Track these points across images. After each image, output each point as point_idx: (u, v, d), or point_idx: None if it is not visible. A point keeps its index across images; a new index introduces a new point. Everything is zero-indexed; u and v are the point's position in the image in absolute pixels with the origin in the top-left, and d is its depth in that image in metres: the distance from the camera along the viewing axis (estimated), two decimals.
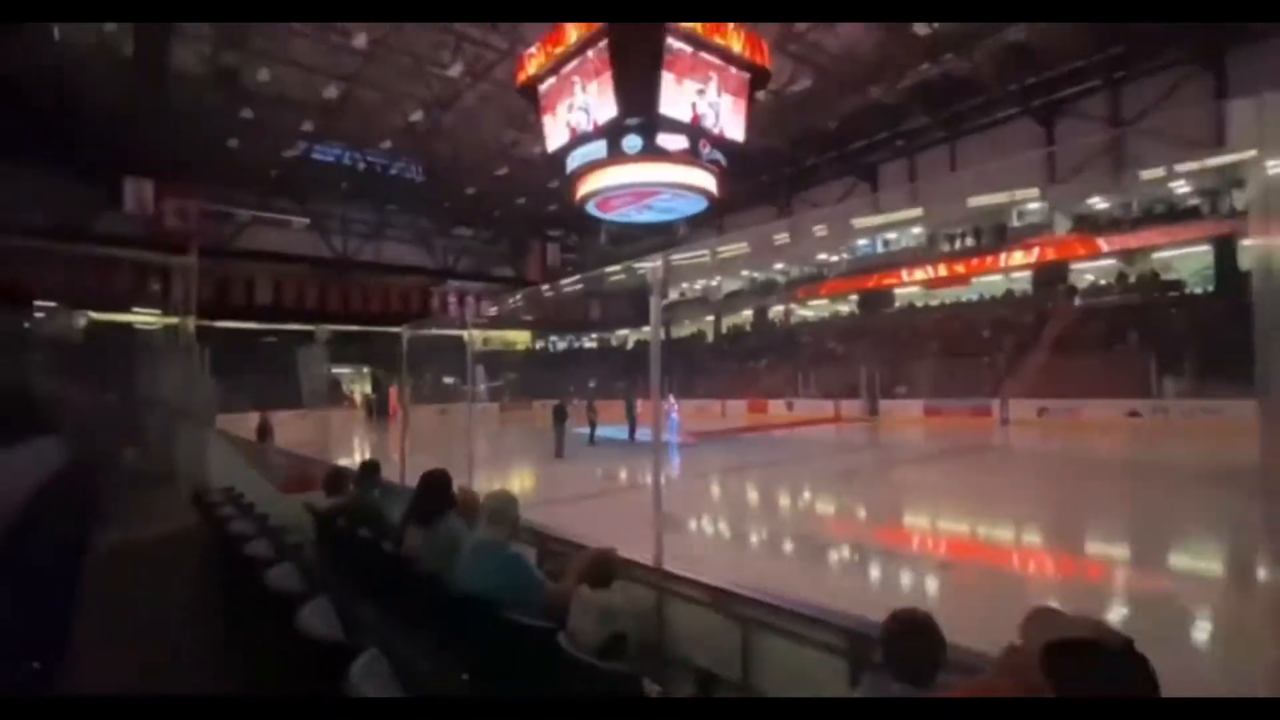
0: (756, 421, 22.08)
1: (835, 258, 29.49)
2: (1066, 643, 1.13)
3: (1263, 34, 16.39)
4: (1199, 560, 6.52)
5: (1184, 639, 4.23)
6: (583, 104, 13.32)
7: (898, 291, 27.62)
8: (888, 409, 21.78)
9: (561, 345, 40.72)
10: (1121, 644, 1.11)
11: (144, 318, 21.72)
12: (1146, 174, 20.25)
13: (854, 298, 29.35)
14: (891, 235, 27.46)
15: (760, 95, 15.65)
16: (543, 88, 14.31)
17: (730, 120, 13.97)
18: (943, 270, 25.24)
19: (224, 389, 15.47)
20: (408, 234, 32.88)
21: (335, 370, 30.45)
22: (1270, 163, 1.62)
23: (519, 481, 11.87)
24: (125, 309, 22.77)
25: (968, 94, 21.27)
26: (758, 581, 3.00)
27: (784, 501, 9.89)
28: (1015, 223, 23.98)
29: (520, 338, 39.20)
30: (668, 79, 12.39)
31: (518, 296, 32.02)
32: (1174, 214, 19.98)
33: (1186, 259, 20.33)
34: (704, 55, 13.03)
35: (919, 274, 25.99)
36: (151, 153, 21.37)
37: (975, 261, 24.28)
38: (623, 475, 12.28)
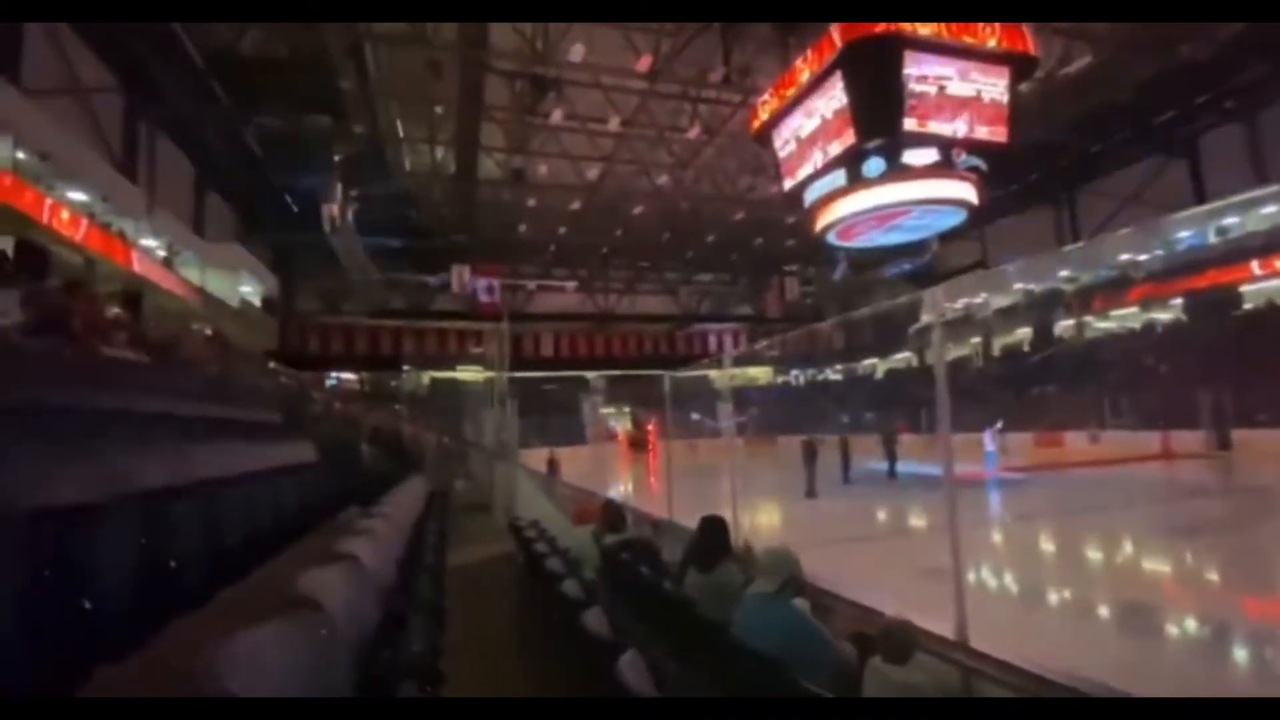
0: (1051, 458, 18.73)
1: (1144, 256, 24.06)
2: None
3: None
4: None
5: None
6: (818, 139, 13.34)
7: (1246, 289, 21.34)
8: (1246, 441, 16.72)
9: (802, 378, 39.84)
10: None
11: (467, 374, 27.55)
12: None
13: (1177, 302, 23.45)
14: (1230, 220, 21.51)
15: (1025, 86, 13.92)
16: (776, 131, 14.69)
17: (990, 121, 12.62)
18: None
19: (522, 429, 18.56)
20: (656, 286, 36.15)
21: (604, 410, 34.36)
22: None
23: (768, 517, 11.82)
24: (453, 368, 29.37)
25: None
26: (1073, 658, 2.54)
27: (1096, 556, 8.28)
28: None
29: (761, 372, 39.47)
30: (910, 123, 11.79)
31: (764, 343, 32.45)
32: None
33: None
34: (951, 93, 12.11)
35: None
36: (468, 243, 27.24)
37: None
38: (882, 517, 11.54)
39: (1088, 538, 9.15)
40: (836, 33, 11.94)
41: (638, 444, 32.27)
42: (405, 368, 30.87)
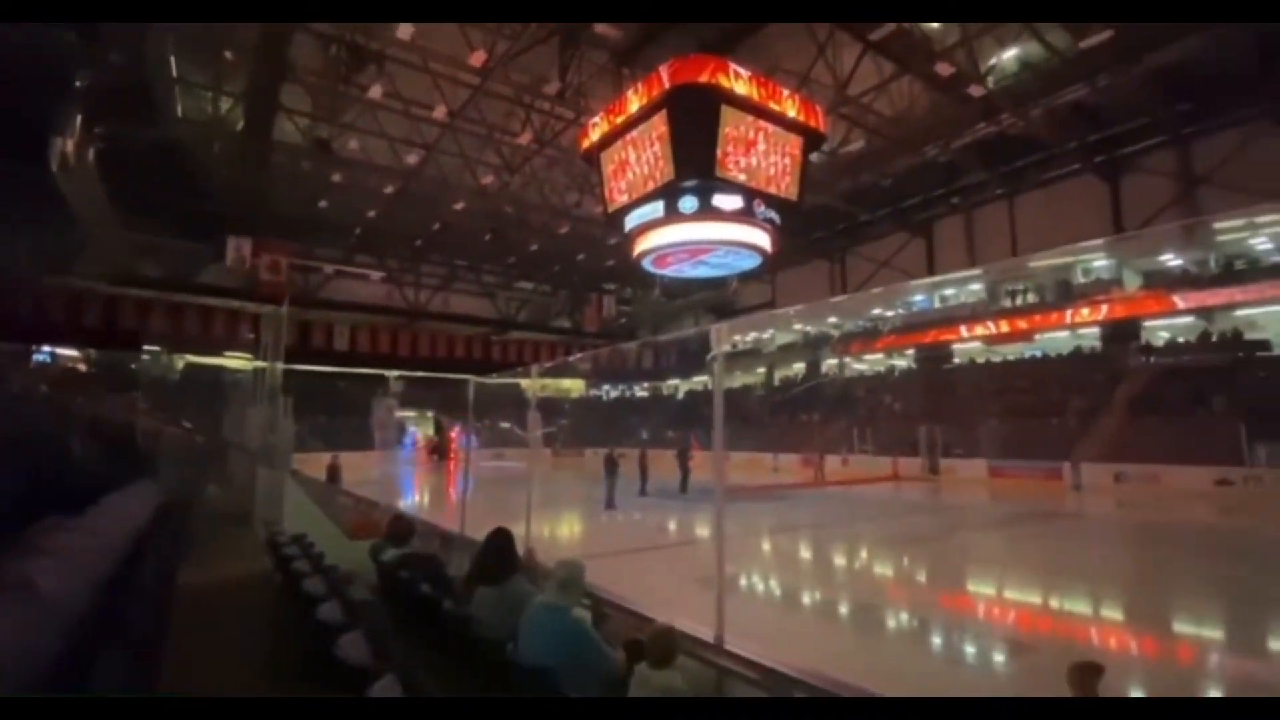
0: (810, 477, 21.67)
1: (890, 312, 29.18)
2: None
3: None
4: None
5: None
6: (641, 169, 14.04)
7: (956, 347, 26.98)
8: (949, 468, 21.01)
9: (613, 393, 41.32)
10: None
11: (235, 362, 23.60)
12: (1223, 228, 19.48)
13: (910, 352, 28.82)
14: (949, 290, 27.08)
15: (814, 156, 16.15)
16: (604, 154, 15.18)
17: (785, 181, 14.40)
18: (1004, 326, 24.59)
19: (300, 429, 16.44)
20: (474, 287, 34.64)
21: (401, 414, 31.86)
22: None
23: (568, 528, 12.08)
24: (219, 354, 24.91)
25: (1026, 151, 21.20)
26: (813, 653, 2.92)
27: (840, 563, 9.69)
28: (1080, 278, 23.33)
29: (574, 385, 40.02)
30: (721, 171, 13.00)
31: (579, 355, 32.92)
32: (1257, 270, 19.08)
33: (1274, 317, 19.28)
34: (757, 152, 13.67)
35: (979, 329, 25.39)
36: (253, 213, 23.68)
37: (1039, 317, 23.58)
38: (672, 528, 12.31)
39: (833, 546, 10.74)
40: (666, 74, 12.75)
41: (439, 451, 30.67)
42: (150, 348, 25.47)
